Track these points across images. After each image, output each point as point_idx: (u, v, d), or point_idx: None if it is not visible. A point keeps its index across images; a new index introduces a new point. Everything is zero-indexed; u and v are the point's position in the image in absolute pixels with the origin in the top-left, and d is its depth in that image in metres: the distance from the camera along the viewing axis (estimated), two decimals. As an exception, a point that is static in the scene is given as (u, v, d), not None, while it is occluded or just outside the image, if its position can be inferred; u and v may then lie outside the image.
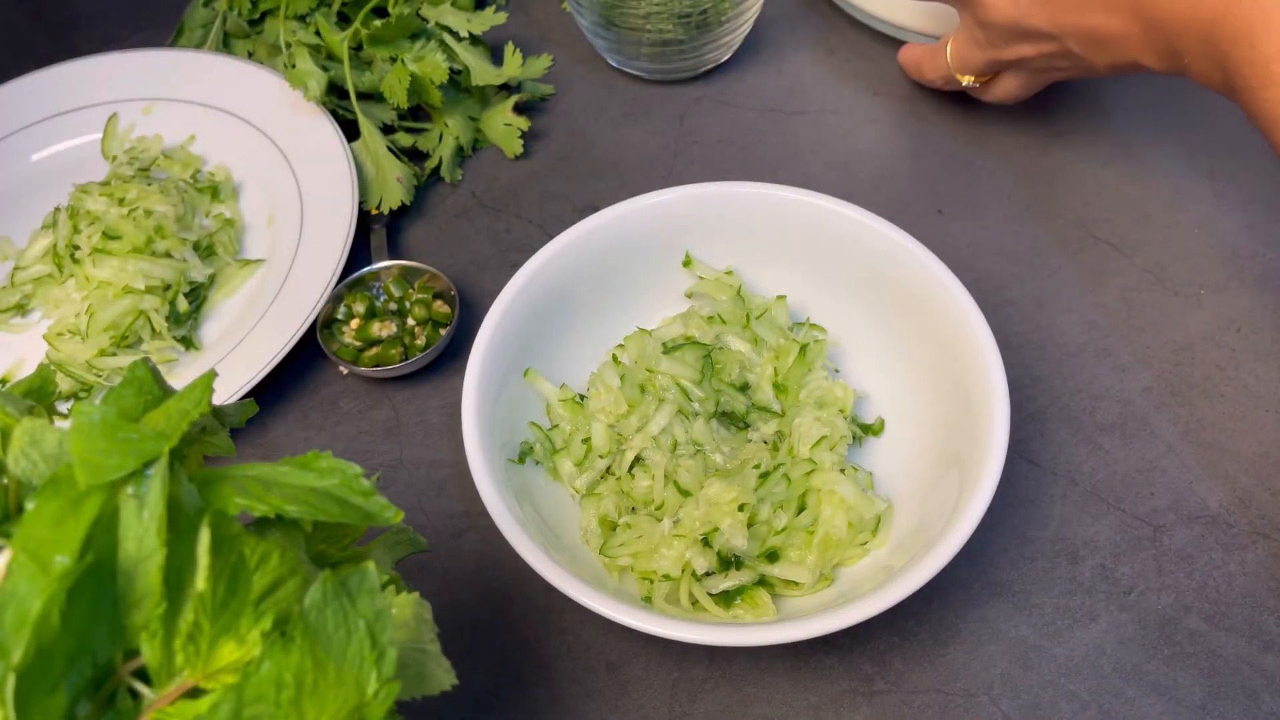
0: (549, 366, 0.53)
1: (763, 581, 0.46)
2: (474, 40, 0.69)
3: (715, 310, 0.54)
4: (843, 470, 0.48)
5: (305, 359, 0.60)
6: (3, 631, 0.24)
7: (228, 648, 0.27)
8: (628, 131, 0.69)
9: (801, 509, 0.47)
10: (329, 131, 0.65)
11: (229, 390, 0.54)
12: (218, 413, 0.35)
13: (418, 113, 0.70)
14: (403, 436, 0.56)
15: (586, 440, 0.51)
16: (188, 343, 0.60)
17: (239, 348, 0.57)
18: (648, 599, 0.46)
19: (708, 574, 0.46)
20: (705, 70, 0.72)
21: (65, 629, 0.25)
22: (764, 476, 0.48)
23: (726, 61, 0.72)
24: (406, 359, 0.57)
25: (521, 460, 0.50)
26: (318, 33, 0.68)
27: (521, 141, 0.68)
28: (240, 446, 0.56)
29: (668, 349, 0.52)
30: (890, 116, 0.68)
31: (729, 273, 0.55)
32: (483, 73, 0.68)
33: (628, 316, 0.55)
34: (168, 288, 0.60)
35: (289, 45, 0.69)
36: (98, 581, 0.26)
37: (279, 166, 0.66)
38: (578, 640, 0.48)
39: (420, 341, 0.58)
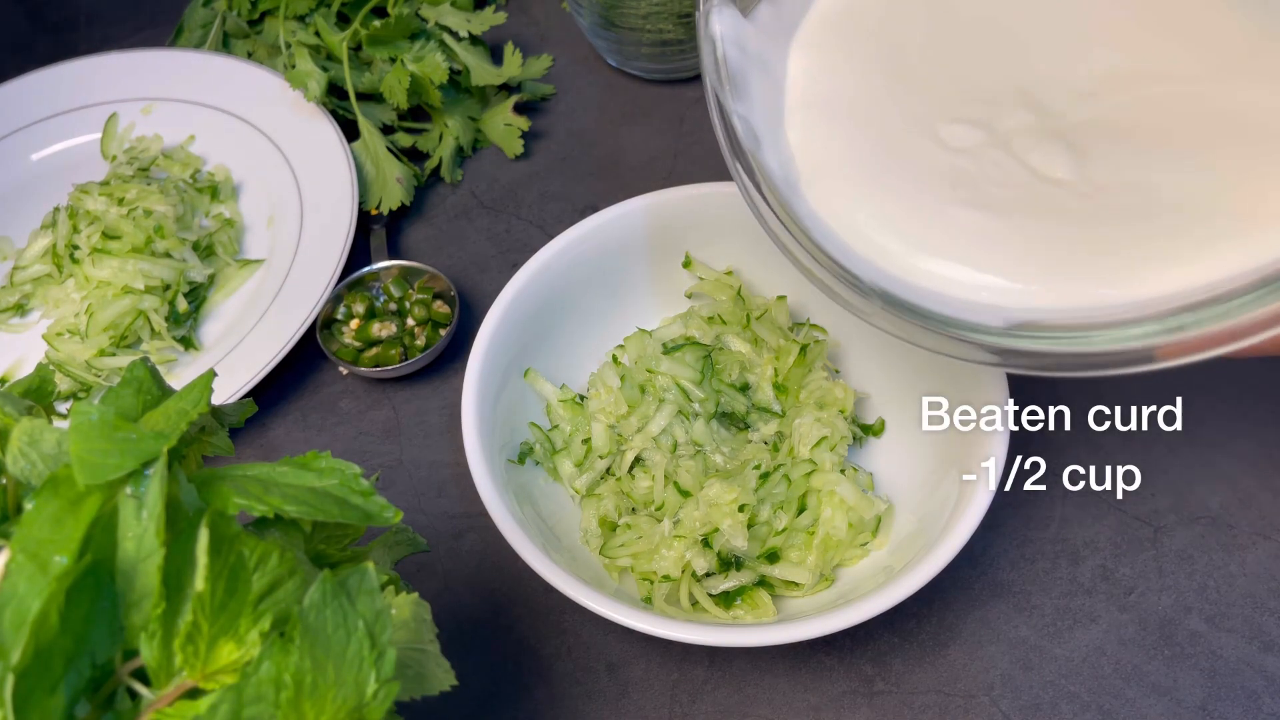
0: (549, 367, 0.53)
1: (763, 582, 0.46)
2: (474, 40, 0.69)
3: (715, 310, 0.54)
4: (843, 471, 0.48)
5: (305, 359, 0.60)
6: (2, 631, 0.24)
7: (227, 648, 0.27)
8: (628, 131, 0.69)
9: (802, 510, 0.47)
10: (329, 132, 0.65)
11: (229, 390, 0.54)
12: (217, 413, 0.35)
13: (418, 113, 0.69)
14: (403, 437, 0.56)
15: (586, 441, 0.51)
16: (187, 343, 0.60)
17: (238, 348, 0.57)
18: (648, 600, 0.46)
19: (708, 575, 0.46)
20: (705, 70, 0.72)
21: (64, 629, 0.25)
22: (764, 477, 0.47)
23: (726, 62, 0.72)
24: (406, 359, 0.57)
25: (521, 461, 0.50)
26: (317, 33, 0.68)
27: (522, 141, 0.68)
28: (240, 446, 0.56)
29: (668, 349, 0.52)
30: (890, 117, 0.68)
31: (729, 273, 0.55)
32: (482, 73, 0.68)
33: (628, 316, 0.55)
34: (167, 288, 0.59)
35: (289, 45, 0.69)
36: (97, 581, 0.26)
37: (279, 166, 0.66)
38: (578, 641, 0.48)
39: (420, 342, 0.58)
